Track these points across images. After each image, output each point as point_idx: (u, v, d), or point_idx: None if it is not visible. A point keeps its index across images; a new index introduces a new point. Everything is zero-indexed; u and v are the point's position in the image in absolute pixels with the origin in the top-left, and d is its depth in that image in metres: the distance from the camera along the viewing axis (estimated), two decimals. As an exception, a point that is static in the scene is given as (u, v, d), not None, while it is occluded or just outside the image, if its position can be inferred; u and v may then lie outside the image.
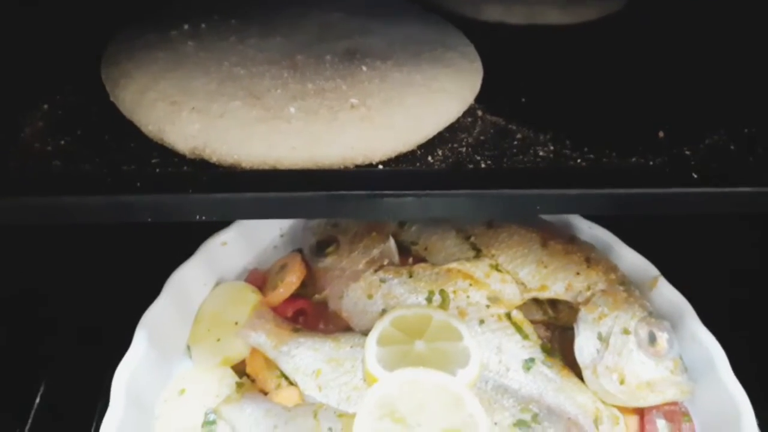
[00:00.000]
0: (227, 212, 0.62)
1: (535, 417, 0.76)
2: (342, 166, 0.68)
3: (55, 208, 0.60)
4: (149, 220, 0.60)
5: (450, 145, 0.74)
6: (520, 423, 0.74)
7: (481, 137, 0.76)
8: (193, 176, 0.64)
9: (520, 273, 0.91)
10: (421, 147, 0.73)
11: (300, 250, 1.00)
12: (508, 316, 0.89)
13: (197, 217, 0.61)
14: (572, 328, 0.90)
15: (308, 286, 0.96)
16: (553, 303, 0.94)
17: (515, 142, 0.74)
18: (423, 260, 0.95)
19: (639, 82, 0.83)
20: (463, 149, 0.74)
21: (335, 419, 0.73)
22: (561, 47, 0.88)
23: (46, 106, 0.74)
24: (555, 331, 0.93)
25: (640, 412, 0.87)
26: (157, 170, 0.65)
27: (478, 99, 0.78)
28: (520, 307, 0.90)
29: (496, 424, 0.74)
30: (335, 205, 0.63)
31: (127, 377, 0.76)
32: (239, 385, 0.83)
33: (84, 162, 0.66)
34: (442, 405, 0.71)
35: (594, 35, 0.91)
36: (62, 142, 0.69)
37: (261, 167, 0.67)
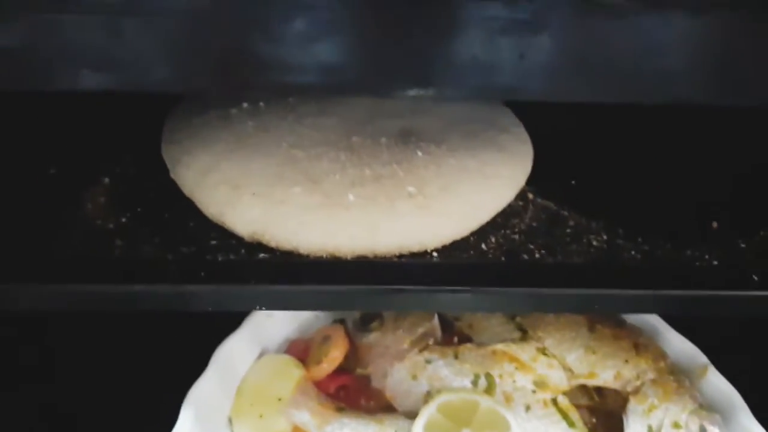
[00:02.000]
0: (287, 304, 0.62)
1: None
2: (398, 253, 0.69)
3: (120, 295, 0.61)
4: (210, 309, 0.61)
5: (503, 231, 0.74)
6: None
7: (533, 223, 0.76)
8: (253, 265, 0.65)
9: (568, 358, 0.90)
10: (474, 233, 0.74)
11: (342, 321, 1.00)
12: (554, 401, 0.88)
13: (257, 307, 0.62)
14: (617, 414, 0.88)
15: (351, 359, 0.96)
16: (599, 388, 0.93)
17: (568, 230, 0.75)
18: (467, 338, 0.94)
19: (691, 168, 0.83)
20: (516, 236, 0.74)
21: None
22: (612, 127, 0.88)
23: (107, 180, 0.77)
24: (600, 416, 0.91)
25: (690, 507, 0.85)
26: (218, 256, 0.66)
27: (529, 181, 0.79)
28: (566, 392, 0.89)
29: None
30: (392, 298, 0.64)
31: (174, 456, 0.76)
32: (282, 463, 0.82)
33: (145, 242, 0.68)
34: (492, 502, 0.70)
35: (645, 115, 0.91)
36: (123, 220, 0.72)
37: (319, 254, 0.68)
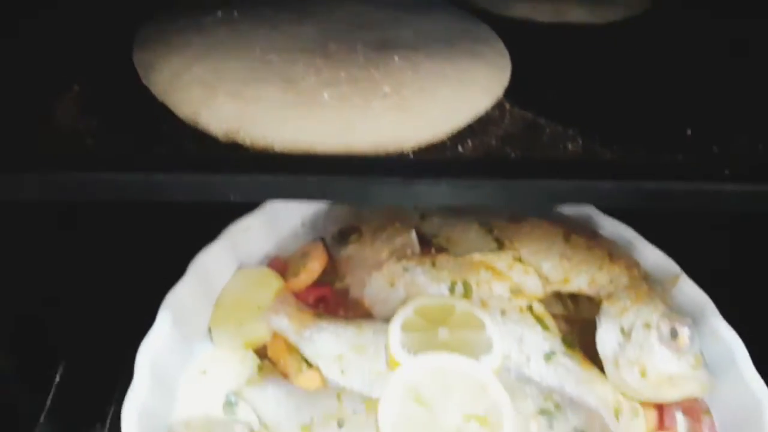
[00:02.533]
0: (261, 193, 0.62)
1: (557, 406, 0.76)
2: (374, 153, 0.69)
3: (89, 184, 0.61)
4: (182, 199, 0.61)
5: (479, 138, 0.74)
6: (543, 411, 0.75)
7: (510, 130, 0.76)
8: (227, 158, 0.64)
9: (543, 266, 0.91)
10: (451, 138, 0.74)
11: (322, 239, 1.01)
12: (530, 308, 0.90)
13: (231, 197, 0.61)
14: (592, 323, 0.90)
15: (330, 275, 0.97)
16: (574, 297, 0.95)
17: (544, 137, 0.75)
18: (444, 252, 0.95)
19: (665, 82, 0.83)
20: (493, 141, 0.74)
21: (359, 402, 0.74)
22: (588, 46, 0.88)
23: (77, 88, 0.75)
24: (575, 325, 0.93)
25: (660, 407, 0.87)
26: (191, 151, 0.65)
27: (507, 93, 0.79)
28: (541, 301, 0.91)
29: (519, 411, 0.74)
30: (367, 189, 0.64)
31: (152, 355, 0.76)
32: (261, 368, 0.83)
33: (117, 141, 0.67)
34: (466, 391, 0.72)
35: (621, 35, 0.91)
36: (94, 123, 0.70)
37: (294, 152, 0.67)
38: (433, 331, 0.80)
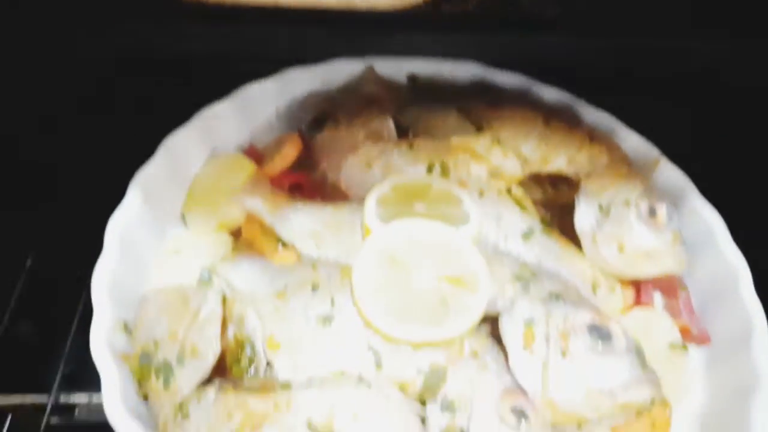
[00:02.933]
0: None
1: (533, 274, 0.76)
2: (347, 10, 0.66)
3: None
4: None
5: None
6: (518, 278, 0.74)
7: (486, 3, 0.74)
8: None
9: (522, 148, 0.90)
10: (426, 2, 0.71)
11: (298, 130, 0.98)
12: (509, 191, 0.89)
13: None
14: (571, 209, 0.89)
15: (305, 167, 0.95)
16: (553, 183, 0.93)
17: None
18: (423, 136, 0.93)
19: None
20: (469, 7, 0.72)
21: (334, 269, 0.72)
22: None
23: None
24: (554, 210, 0.92)
25: (636, 285, 0.88)
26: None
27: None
28: (520, 184, 0.89)
29: (494, 277, 0.73)
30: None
31: (121, 228, 0.75)
32: (235, 247, 0.82)
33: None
34: (441, 254, 0.70)
35: None
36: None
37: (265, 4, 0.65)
38: (409, 205, 0.79)
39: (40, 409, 0.76)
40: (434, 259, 0.70)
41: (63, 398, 0.77)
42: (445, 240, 0.71)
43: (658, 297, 0.87)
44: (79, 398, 0.77)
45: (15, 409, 0.78)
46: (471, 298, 0.68)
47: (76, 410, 0.89)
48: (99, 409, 0.82)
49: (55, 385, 0.77)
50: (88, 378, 0.74)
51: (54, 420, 0.81)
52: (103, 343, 0.66)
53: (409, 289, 0.69)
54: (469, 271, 0.70)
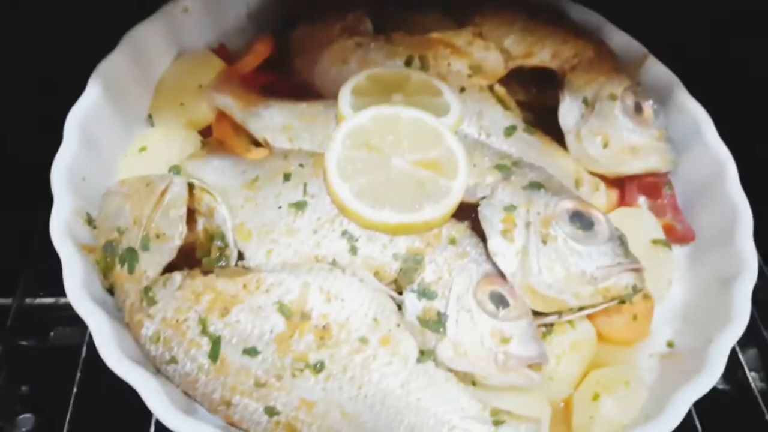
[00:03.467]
0: None
1: (516, 163, 0.73)
2: None
3: None
4: None
5: None
6: (500, 166, 0.71)
7: None
8: None
9: (505, 41, 0.85)
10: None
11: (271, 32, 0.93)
12: (491, 88, 0.85)
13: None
14: (555, 113, 0.86)
15: (278, 69, 0.90)
16: (536, 84, 0.90)
17: None
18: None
19: None
20: None
21: (306, 157, 0.69)
22: None
23: None
24: (538, 113, 0.89)
25: (621, 187, 0.86)
26: None
27: None
28: (502, 83, 0.86)
29: (475, 165, 0.70)
30: None
31: (81, 118, 0.71)
32: (205, 144, 0.78)
33: None
34: (419, 139, 0.67)
35: None
36: None
37: None
38: (386, 96, 0.75)
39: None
40: (411, 144, 0.67)
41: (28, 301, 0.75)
42: (423, 125, 0.68)
43: (642, 199, 0.85)
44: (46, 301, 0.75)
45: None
46: (449, 183, 0.66)
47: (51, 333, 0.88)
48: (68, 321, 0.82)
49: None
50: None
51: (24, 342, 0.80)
52: (63, 230, 0.62)
53: (385, 174, 0.66)
54: (447, 157, 0.66)
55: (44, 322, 0.86)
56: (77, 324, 0.84)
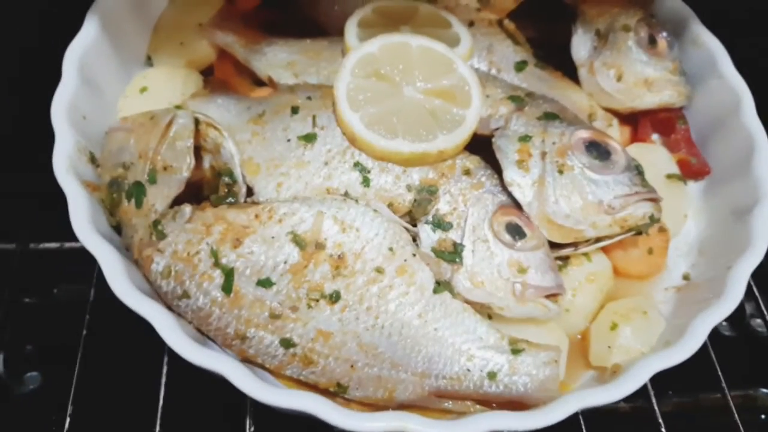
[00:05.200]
0: None
1: (529, 94, 0.71)
2: None
3: None
4: None
5: None
6: (513, 98, 0.69)
7: None
8: None
9: (513, -33, 0.83)
10: None
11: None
12: (500, 23, 0.83)
13: None
14: (566, 50, 0.83)
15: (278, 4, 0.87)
16: (548, 19, 0.87)
17: None
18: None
19: None
20: None
21: (313, 89, 0.67)
22: None
23: None
24: (546, 49, 0.86)
25: (634, 124, 0.84)
26: None
27: None
28: (511, 19, 0.83)
29: (488, 96, 0.68)
30: None
31: (79, 54, 0.68)
32: (207, 83, 0.76)
33: None
34: (430, 67, 0.65)
35: None
36: None
37: None
38: (394, 28, 0.72)
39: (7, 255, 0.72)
40: (422, 72, 0.65)
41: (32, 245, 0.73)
42: (433, 53, 0.66)
43: (655, 136, 0.83)
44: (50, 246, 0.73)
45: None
46: (462, 112, 0.64)
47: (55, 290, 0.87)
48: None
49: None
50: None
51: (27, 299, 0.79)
52: (67, 166, 0.60)
53: (397, 103, 0.64)
54: (459, 85, 0.64)
55: (48, 276, 0.85)
56: (80, 280, 0.84)
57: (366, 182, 0.63)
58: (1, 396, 0.78)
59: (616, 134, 0.80)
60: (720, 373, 0.72)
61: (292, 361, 0.57)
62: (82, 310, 0.74)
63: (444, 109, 0.64)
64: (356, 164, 0.63)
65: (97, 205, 0.62)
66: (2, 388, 0.79)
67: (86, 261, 0.63)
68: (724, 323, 0.81)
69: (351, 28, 0.71)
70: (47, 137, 0.66)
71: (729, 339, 0.83)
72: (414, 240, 0.62)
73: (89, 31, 0.70)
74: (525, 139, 0.65)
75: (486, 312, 0.63)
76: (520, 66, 0.79)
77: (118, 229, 0.64)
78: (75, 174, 0.60)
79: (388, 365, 0.57)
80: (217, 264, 0.57)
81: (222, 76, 0.78)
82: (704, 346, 0.63)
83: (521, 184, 0.64)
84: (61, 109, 0.64)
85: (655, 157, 0.79)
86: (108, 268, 0.56)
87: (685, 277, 0.73)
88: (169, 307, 0.59)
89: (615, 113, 0.81)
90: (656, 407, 0.67)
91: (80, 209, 0.58)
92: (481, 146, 0.69)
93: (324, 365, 0.57)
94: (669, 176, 0.77)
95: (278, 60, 0.75)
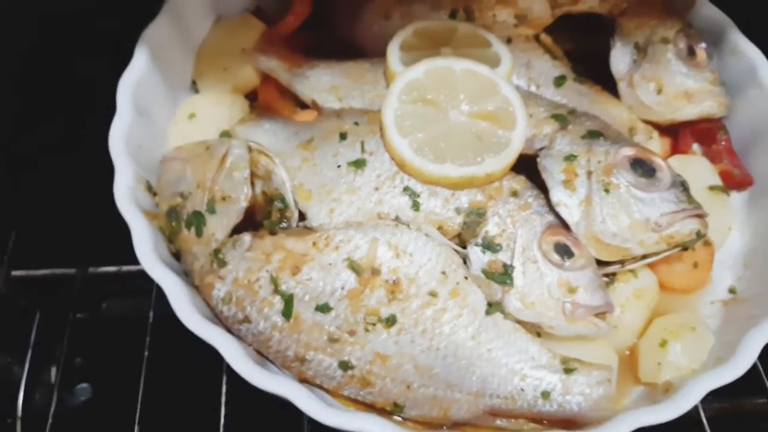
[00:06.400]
0: None
1: (572, 111, 0.72)
2: None
3: None
4: None
5: None
6: (556, 116, 0.70)
7: None
8: None
9: (551, -9, 0.84)
10: None
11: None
12: (537, 37, 0.83)
13: None
14: (604, 62, 0.84)
15: (317, 28, 0.89)
16: (583, 32, 0.88)
17: None
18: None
19: None
20: None
21: (360, 115, 0.69)
22: None
23: None
24: (584, 62, 0.87)
25: (674, 135, 0.84)
26: None
27: None
28: (548, 31, 0.84)
29: (531, 115, 0.69)
30: None
31: (132, 85, 0.70)
32: (253, 108, 0.78)
33: None
34: (474, 90, 0.66)
35: None
36: None
37: None
38: (435, 50, 0.74)
39: (68, 281, 0.75)
40: (467, 96, 0.66)
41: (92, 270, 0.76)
42: (477, 76, 0.67)
43: (696, 147, 0.83)
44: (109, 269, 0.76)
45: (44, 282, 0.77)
46: (508, 134, 0.65)
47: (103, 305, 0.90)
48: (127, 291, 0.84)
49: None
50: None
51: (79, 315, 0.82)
52: (128, 197, 0.63)
53: (444, 127, 0.65)
54: (504, 107, 0.65)
55: (102, 295, 0.88)
56: (131, 297, 0.87)
57: (416, 206, 0.64)
58: (56, 407, 0.82)
59: (656, 146, 0.81)
60: (765, 377, 0.72)
61: (350, 382, 0.59)
62: (131, 325, 0.77)
63: (490, 131, 0.65)
64: (406, 189, 0.65)
65: (157, 233, 0.64)
66: (57, 399, 0.83)
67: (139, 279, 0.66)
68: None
69: (393, 52, 0.72)
70: (96, 162, 0.69)
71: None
72: (464, 262, 0.64)
73: (139, 63, 0.72)
74: (570, 158, 0.66)
75: (535, 330, 0.64)
76: (559, 81, 0.80)
77: (176, 254, 0.66)
78: (136, 204, 0.63)
79: (443, 385, 0.59)
80: (276, 290, 0.59)
81: (266, 100, 0.80)
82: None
83: (568, 204, 0.65)
84: (118, 141, 0.66)
85: (697, 168, 0.80)
86: (173, 296, 0.58)
87: (731, 291, 0.74)
88: (229, 330, 0.61)
89: (655, 125, 0.82)
90: (702, 413, 0.67)
91: (144, 239, 0.60)
92: (525, 164, 0.71)
93: (381, 386, 0.59)
94: (711, 188, 0.77)
95: (321, 84, 0.77)
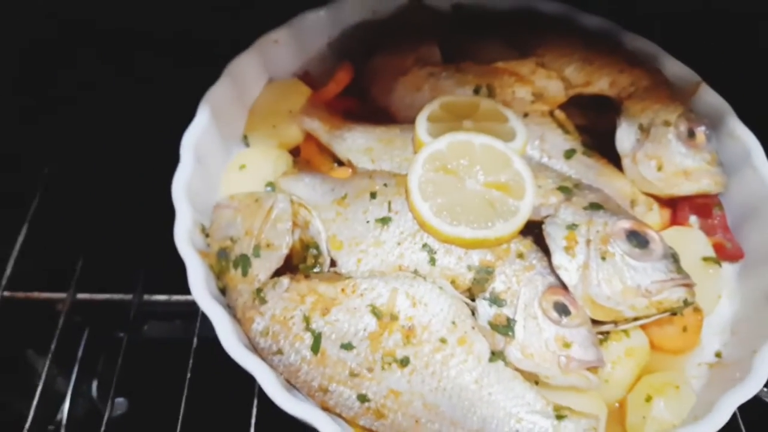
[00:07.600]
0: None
1: (577, 184, 0.80)
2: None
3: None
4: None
5: None
6: (562, 188, 0.79)
7: None
8: None
9: (565, 70, 0.93)
10: None
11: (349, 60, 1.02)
12: (551, 113, 0.93)
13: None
14: (612, 136, 0.92)
15: (356, 94, 0.99)
16: (594, 109, 0.97)
17: None
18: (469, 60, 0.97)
19: None
20: None
21: (389, 177, 0.78)
22: None
23: None
24: (595, 136, 0.95)
25: (673, 207, 0.92)
26: None
27: None
28: (562, 108, 0.93)
29: (539, 186, 0.78)
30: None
31: (194, 139, 0.81)
32: (295, 163, 0.88)
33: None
34: (490, 163, 0.76)
35: None
36: None
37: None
38: (458, 122, 0.84)
39: (126, 305, 0.86)
40: (483, 167, 0.75)
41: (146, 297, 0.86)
42: (493, 150, 0.76)
43: (693, 218, 0.91)
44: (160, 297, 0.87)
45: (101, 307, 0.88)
46: (517, 203, 0.74)
47: (145, 328, 1.01)
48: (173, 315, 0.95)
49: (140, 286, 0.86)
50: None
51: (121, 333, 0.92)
52: (187, 239, 0.73)
53: (461, 194, 0.74)
54: (515, 179, 0.75)
55: (143, 318, 0.99)
56: (172, 320, 0.97)
57: (433, 262, 0.73)
58: (95, 419, 0.91)
59: (656, 218, 0.89)
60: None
61: (366, 414, 0.67)
62: (172, 348, 0.88)
63: (501, 200, 0.74)
64: (425, 246, 0.74)
65: (208, 270, 0.74)
66: (96, 411, 0.92)
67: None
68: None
69: (421, 123, 0.83)
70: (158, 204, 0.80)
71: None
72: (472, 313, 0.72)
73: (201, 119, 0.84)
74: (572, 227, 0.75)
75: (533, 379, 0.71)
76: (569, 154, 0.89)
77: (222, 290, 0.76)
78: (192, 245, 0.73)
79: (447, 423, 0.67)
80: (307, 328, 0.68)
81: (307, 156, 0.91)
82: (734, 417, 0.70)
83: (568, 267, 0.73)
84: (180, 189, 0.77)
85: (693, 240, 0.87)
86: (220, 327, 0.68)
87: (718, 355, 0.80)
88: (263, 360, 0.70)
89: (656, 198, 0.90)
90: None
91: (198, 276, 0.71)
92: (532, 228, 0.79)
93: (393, 419, 0.67)
94: (705, 258, 0.85)
95: (357, 145, 0.87)
